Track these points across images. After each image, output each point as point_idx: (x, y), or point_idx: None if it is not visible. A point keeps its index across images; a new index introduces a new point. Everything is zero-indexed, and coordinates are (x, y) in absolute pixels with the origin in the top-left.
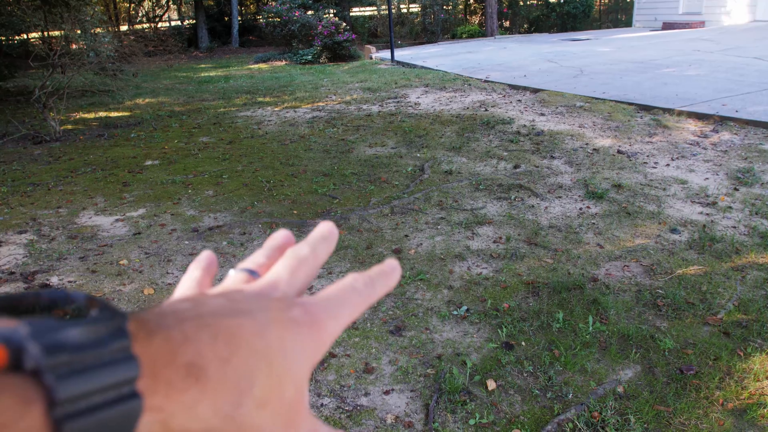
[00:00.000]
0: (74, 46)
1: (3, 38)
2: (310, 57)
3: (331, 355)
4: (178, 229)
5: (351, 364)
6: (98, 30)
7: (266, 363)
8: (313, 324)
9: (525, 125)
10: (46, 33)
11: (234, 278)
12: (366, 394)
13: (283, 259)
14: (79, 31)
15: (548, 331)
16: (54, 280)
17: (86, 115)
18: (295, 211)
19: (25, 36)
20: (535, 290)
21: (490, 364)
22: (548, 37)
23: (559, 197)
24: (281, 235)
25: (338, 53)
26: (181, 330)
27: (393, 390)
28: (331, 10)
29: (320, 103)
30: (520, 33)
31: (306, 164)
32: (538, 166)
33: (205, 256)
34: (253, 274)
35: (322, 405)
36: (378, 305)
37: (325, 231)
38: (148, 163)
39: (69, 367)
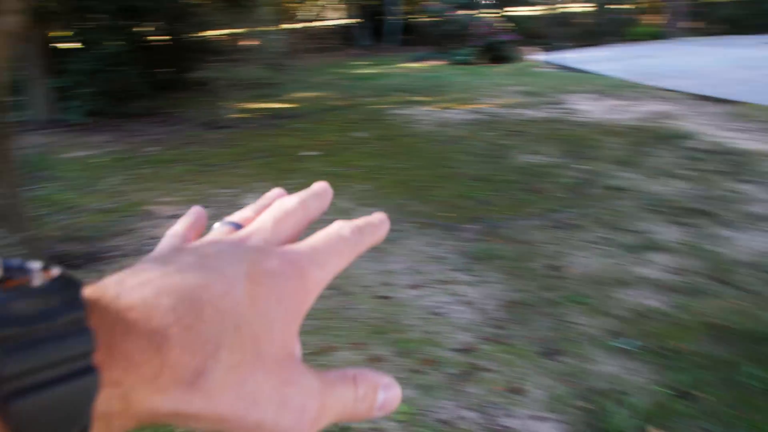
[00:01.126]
0: (248, 43)
1: (191, 35)
2: (466, 57)
3: (477, 367)
4: (334, 220)
5: (497, 380)
6: (270, 28)
7: (233, 324)
8: (294, 273)
9: (711, 141)
10: (225, 30)
11: (217, 231)
12: (512, 416)
13: (269, 209)
14: (254, 29)
15: (736, 387)
16: None
17: (254, 105)
18: (446, 214)
19: (206, 33)
20: (720, 335)
21: (657, 411)
22: (747, 40)
23: (755, 229)
24: (274, 192)
25: (496, 54)
26: (142, 296)
27: (542, 417)
28: (491, 10)
29: (475, 105)
30: (709, 35)
31: (459, 167)
32: (726, 191)
33: (194, 210)
34: (236, 227)
35: (462, 417)
36: (530, 322)
37: (318, 188)
38: (308, 153)
39: (16, 341)
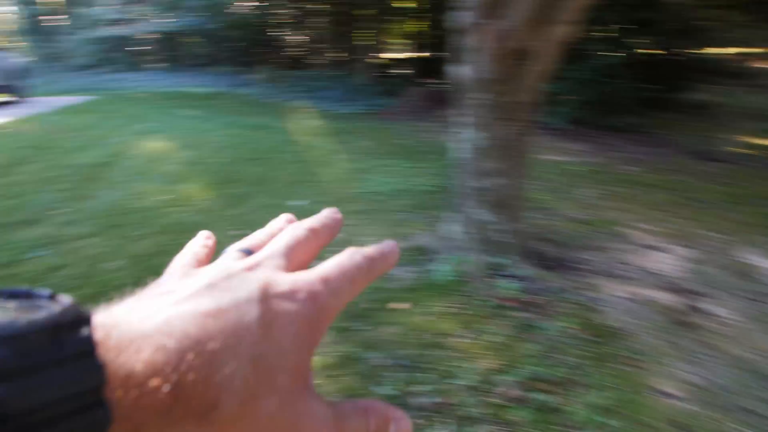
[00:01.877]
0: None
1: (691, 50)
2: None
3: None
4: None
5: None
6: None
7: (248, 354)
8: (307, 299)
9: None
10: (736, 49)
11: (227, 257)
12: None
13: (280, 236)
14: None
15: None
16: (704, 306)
17: (764, 141)
18: None
19: (710, 50)
20: None
21: None
22: None
23: None
24: (284, 217)
25: None
26: (155, 326)
27: None
28: None
29: None
30: None
31: None
32: None
33: (203, 234)
34: (248, 252)
35: None
36: None
37: (329, 214)
38: None
39: (24, 375)
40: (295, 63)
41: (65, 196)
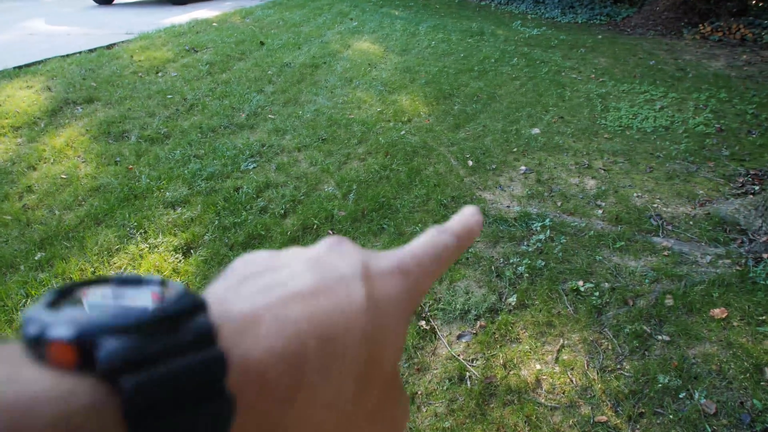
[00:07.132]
0: None
1: None
2: None
3: None
4: None
5: None
6: None
7: (360, 339)
8: (402, 276)
9: None
10: None
11: None
12: None
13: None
14: None
15: None
16: None
17: None
18: None
19: None
20: None
21: None
22: None
23: None
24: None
25: None
26: (270, 310)
27: None
28: None
29: None
30: None
31: None
32: None
33: None
34: None
35: None
36: None
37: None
38: None
39: (148, 366)
40: None
41: (274, 99)
